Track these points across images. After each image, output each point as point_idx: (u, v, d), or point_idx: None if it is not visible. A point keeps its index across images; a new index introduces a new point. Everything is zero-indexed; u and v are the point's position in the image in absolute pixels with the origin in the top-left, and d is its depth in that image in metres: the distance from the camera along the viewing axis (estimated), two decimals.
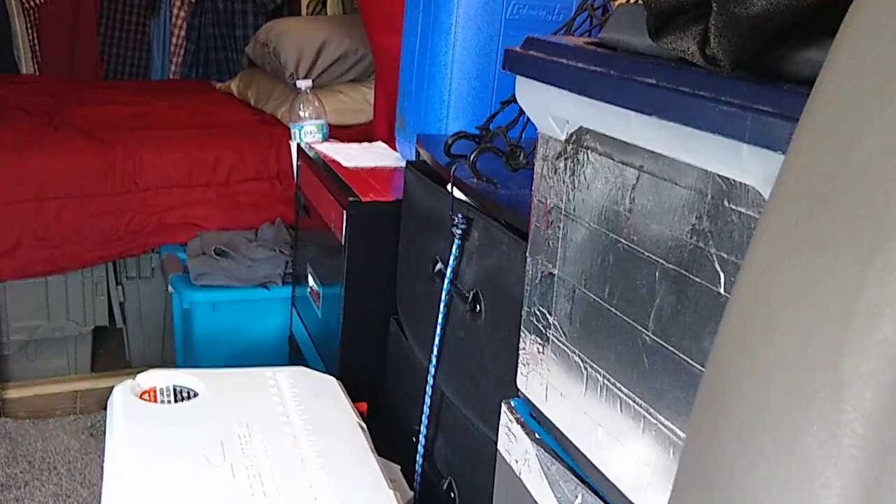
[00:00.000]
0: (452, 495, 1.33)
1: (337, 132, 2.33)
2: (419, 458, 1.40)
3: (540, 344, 0.95)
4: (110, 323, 2.61)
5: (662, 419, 0.74)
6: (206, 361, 2.18)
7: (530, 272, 0.98)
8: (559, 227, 0.90)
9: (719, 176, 0.66)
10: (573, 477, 0.88)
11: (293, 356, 2.14)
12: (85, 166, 2.38)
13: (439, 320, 1.34)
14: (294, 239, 2.26)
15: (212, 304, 2.20)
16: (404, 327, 1.58)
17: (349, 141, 2.17)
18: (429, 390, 1.37)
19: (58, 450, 2.29)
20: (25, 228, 2.32)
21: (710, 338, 0.68)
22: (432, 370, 1.37)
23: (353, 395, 1.47)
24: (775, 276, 0.39)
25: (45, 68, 3.72)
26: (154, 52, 3.95)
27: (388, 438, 1.48)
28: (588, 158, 0.85)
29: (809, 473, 0.35)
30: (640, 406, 0.77)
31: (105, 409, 1.41)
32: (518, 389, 1.02)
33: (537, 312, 0.96)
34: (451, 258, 1.29)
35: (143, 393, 1.39)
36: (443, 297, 1.32)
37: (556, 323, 0.92)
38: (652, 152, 0.74)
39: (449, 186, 1.32)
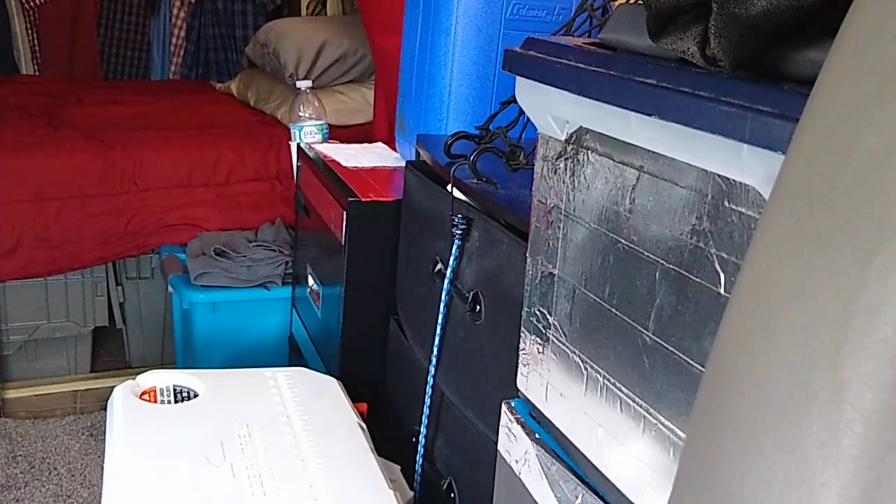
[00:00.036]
0: (452, 495, 1.33)
1: (337, 132, 2.34)
2: (419, 459, 1.40)
3: (540, 344, 0.95)
4: (110, 323, 2.61)
5: (662, 419, 0.74)
6: (206, 362, 2.18)
7: (530, 272, 0.98)
8: (559, 228, 0.91)
9: (719, 176, 0.66)
10: (573, 477, 0.88)
11: (293, 356, 2.14)
12: (85, 166, 2.39)
13: (439, 320, 1.34)
14: (294, 239, 2.26)
15: (212, 305, 2.20)
16: (404, 327, 1.58)
17: (349, 141, 2.17)
18: (429, 390, 1.37)
19: (58, 450, 2.29)
20: (25, 229, 2.32)
21: (710, 338, 0.68)
22: (432, 370, 1.37)
23: (353, 396, 1.47)
24: (775, 276, 0.39)
25: (45, 69, 3.72)
26: (154, 52, 3.95)
27: (388, 438, 1.48)
28: (588, 159, 0.85)
29: (809, 473, 0.35)
30: (640, 406, 0.77)
31: (105, 409, 1.41)
32: (518, 389, 1.02)
33: (537, 312, 0.96)
34: (451, 258, 1.29)
35: (143, 393, 1.39)
36: (443, 297, 1.32)
37: (556, 323, 0.92)
38: (652, 152, 0.74)
39: (449, 186, 1.32)
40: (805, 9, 0.57)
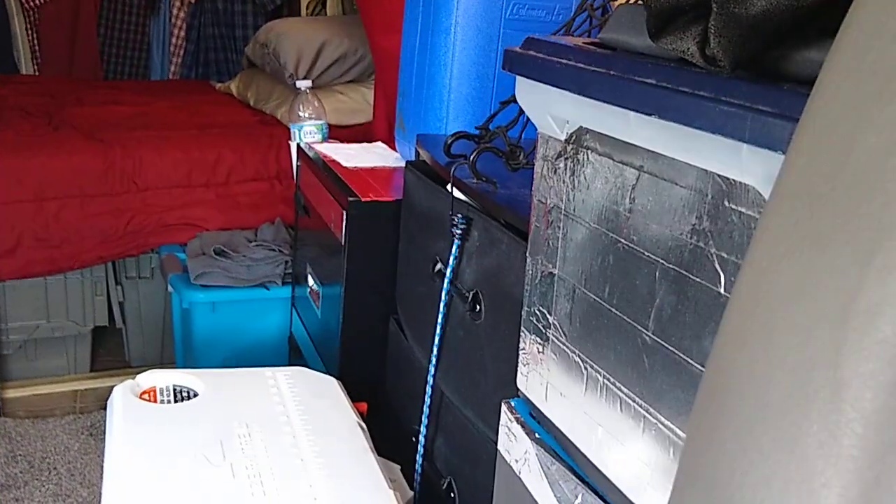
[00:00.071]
0: (452, 495, 1.33)
1: (336, 132, 2.34)
2: (419, 458, 1.40)
3: (540, 344, 0.95)
4: (110, 323, 2.61)
5: (662, 419, 0.74)
6: (205, 361, 2.18)
7: (530, 272, 0.98)
8: (559, 227, 0.91)
9: (719, 176, 0.66)
10: (573, 477, 0.88)
11: (293, 356, 2.14)
12: (84, 166, 2.38)
13: (439, 320, 1.34)
14: (294, 239, 2.26)
15: (211, 304, 2.20)
16: (404, 327, 1.58)
17: (349, 141, 2.17)
18: (428, 390, 1.37)
19: (57, 450, 2.29)
20: (25, 228, 2.32)
21: (710, 338, 0.68)
22: (432, 370, 1.37)
23: (353, 395, 1.47)
24: (775, 275, 0.39)
25: (45, 68, 3.72)
26: (154, 52, 3.95)
27: (388, 438, 1.48)
28: (588, 158, 0.85)
29: (809, 473, 0.35)
30: (640, 406, 0.77)
31: (105, 408, 1.41)
32: (518, 389, 1.02)
33: (537, 312, 0.96)
34: (451, 258, 1.29)
35: (143, 393, 1.39)
36: (443, 297, 1.32)
37: (556, 323, 0.92)
38: (652, 152, 0.74)
39: (449, 186, 1.32)
40: (805, 9, 0.57)
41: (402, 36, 1.81)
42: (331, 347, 1.76)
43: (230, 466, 1.20)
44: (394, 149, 1.97)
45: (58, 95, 3.07)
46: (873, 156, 0.35)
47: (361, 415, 1.43)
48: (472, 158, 1.28)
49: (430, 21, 1.67)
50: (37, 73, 3.70)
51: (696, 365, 0.70)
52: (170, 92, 3.33)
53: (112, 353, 2.71)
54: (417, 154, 1.65)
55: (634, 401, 0.78)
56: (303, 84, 2.24)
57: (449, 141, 1.41)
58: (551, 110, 0.89)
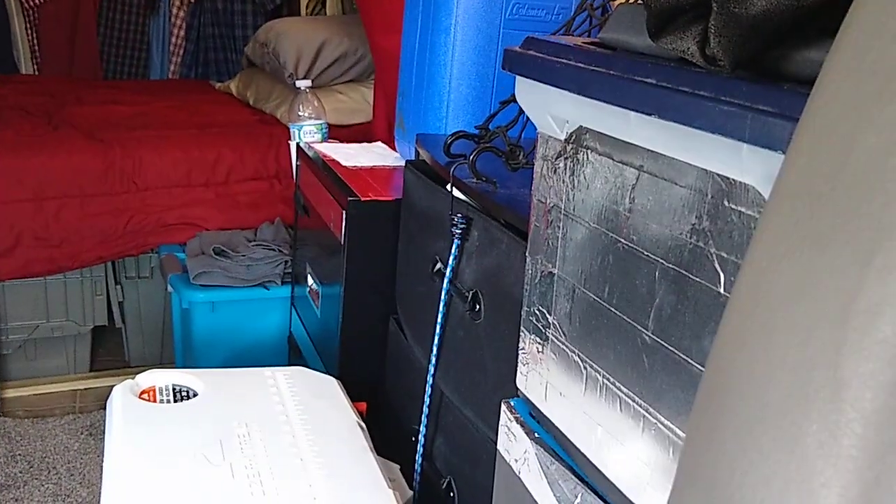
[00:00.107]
0: (452, 495, 1.33)
1: (336, 132, 2.34)
2: (418, 458, 1.40)
3: (539, 343, 0.95)
4: (109, 322, 2.61)
5: (662, 419, 0.74)
6: (205, 361, 2.18)
7: (530, 272, 0.98)
8: (559, 227, 0.91)
9: (719, 175, 0.66)
10: (573, 476, 0.88)
11: (292, 356, 2.14)
12: (84, 166, 2.38)
13: (439, 320, 1.34)
14: (293, 238, 2.26)
15: (211, 304, 2.20)
16: (404, 327, 1.58)
17: (348, 141, 2.17)
18: (428, 390, 1.37)
19: (57, 449, 2.29)
20: (24, 228, 2.32)
21: (710, 338, 0.68)
22: (432, 370, 1.37)
23: (353, 395, 1.47)
24: (775, 275, 0.39)
25: (45, 68, 3.72)
26: (153, 51, 3.95)
27: (387, 438, 1.48)
28: (588, 158, 0.85)
29: (809, 473, 0.35)
30: (640, 406, 0.77)
31: (104, 408, 1.41)
32: (518, 389, 1.02)
33: (537, 312, 0.96)
34: (451, 258, 1.29)
35: (143, 392, 1.39)
36: (442, 296, 1.32)
37: (555, 322, 0.92)
38: (652, 152, 0.74)
39: (448, 186, 1.32)
40: (805, 9, 0.57)
41: (402, 36, 1.81)
42: (330, 347, 1.76)
43: (230, 466, 1.20)
44: (393, 148, 1.97)
45: (57, 95, 3.07)
46: (873, 156, 0.35)
47: (361, 414, 1.43)
48: (471, 158, 1.28)
49: (430, 21, 1.67)
50: (36, 73, 3.70)
51: (695, 365, 0.70)
52: (169, 91, 3.33)
53: (112, 352, 2.71)
54: (417, 154, 1.65)
55: (634, 400, 0.78)
56: (302, 84, 2.24)
57: (449, 141, 1.41)
58: (551, 110, 0.89)
